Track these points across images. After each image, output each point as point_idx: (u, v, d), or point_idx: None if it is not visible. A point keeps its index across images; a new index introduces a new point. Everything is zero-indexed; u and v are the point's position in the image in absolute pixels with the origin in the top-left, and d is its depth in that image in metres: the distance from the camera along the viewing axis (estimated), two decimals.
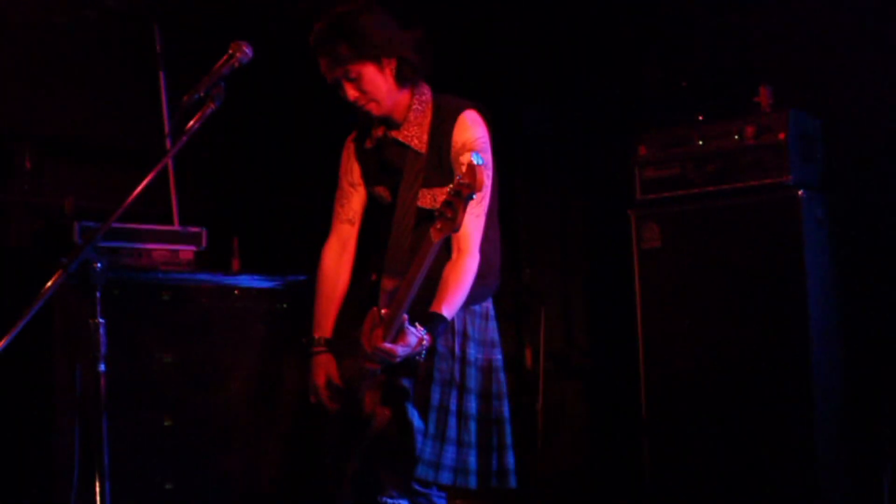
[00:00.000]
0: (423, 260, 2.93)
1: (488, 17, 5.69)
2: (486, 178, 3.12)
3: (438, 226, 2.90)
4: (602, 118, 5.48)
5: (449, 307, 3.08)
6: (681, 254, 4.70)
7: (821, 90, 4.83)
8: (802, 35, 4.97)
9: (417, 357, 3.05)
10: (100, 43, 5.34)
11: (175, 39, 5.32)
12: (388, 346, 2.96)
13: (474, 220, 3.15)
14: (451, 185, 2.89)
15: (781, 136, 4.49)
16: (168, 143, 5.22)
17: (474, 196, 2.86)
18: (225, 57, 2.89)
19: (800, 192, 4.44)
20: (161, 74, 5.26)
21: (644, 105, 5.30)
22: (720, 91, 5.03)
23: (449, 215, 2.88)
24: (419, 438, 3.15)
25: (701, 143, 4.69)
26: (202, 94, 2.82)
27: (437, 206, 3.06)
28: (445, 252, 3.14)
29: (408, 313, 2.95)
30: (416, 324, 3.00)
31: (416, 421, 3.18)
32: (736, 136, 4.60)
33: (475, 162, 2.84)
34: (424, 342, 3.01)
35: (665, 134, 4.80)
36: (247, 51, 2.90)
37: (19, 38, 5.09)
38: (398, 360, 2.99)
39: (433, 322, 3.04)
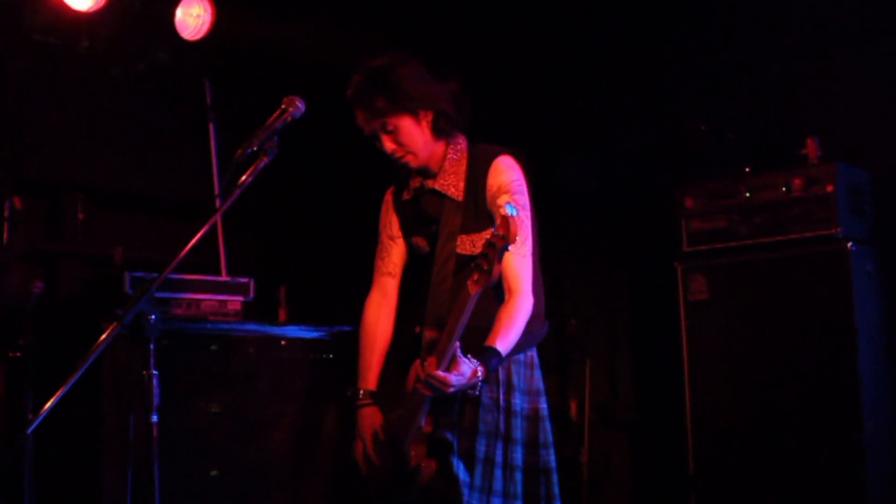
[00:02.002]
0: (462, 311, 2.93)
1: (533, 71, 5.73)
2: (522, 224, 3.11)
3: (475, 277, 2.90)
4: (648, 170, 5.48)
5: (503, 342, 3.06)
6: (728, 306, 4.67)
7: (869, 142, 4.82)
8: (850, 87, 4.96)
9: (471, 392, 3.03)
10: (152, 96, 5.44)
11: (225, 93, 5.41)
12: (441, 374, 2.95)
13: (521, 261, 3.15)
14: (487, 236, 2.89)
15: (830, 188, 4.47)
16: (218, 198, 5.30)
17: (509, 248, 2.86)
18: (278, 111, 2.93)
19: (849, 245, 4.41)
20: (211, 127, 5.34)
21: (690, 157, 5.29)
22: (767, 143, 5.02)
23: (485, 267, 2.88)
24: (465, 492, 3.13)
25: (748, 195, 4.68)
26: (256, 148, 2.86)
27: (477, 251, 3.08)
28: (495, 301, 3.14)
29: (460, 342, 2.95)
30: (470, 355, 2.99)
31: (462, 474, 3.16)
32: (783, 189, 4.58)
33: (509, 213, 2.85)
34: (479, 374, 2.99)
35: (711, 186, 4.80)
36: (300, 105, 2.94)
37: (74, 91, 5.19)
38: (452, 389, 2.97)
39: (487, 355, 3.03)
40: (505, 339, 3.07)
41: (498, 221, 2.87)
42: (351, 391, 3.44)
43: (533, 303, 3.16)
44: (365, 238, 3.71)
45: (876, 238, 4.62)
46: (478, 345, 3.05)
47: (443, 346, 2.98)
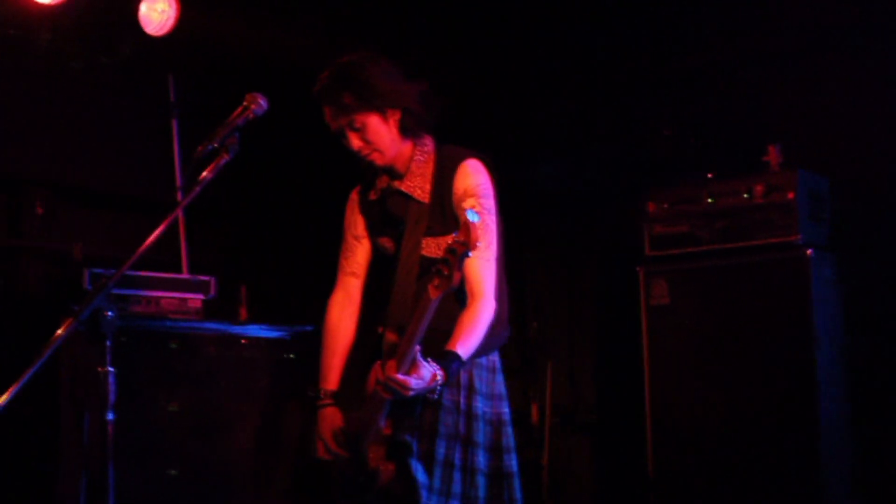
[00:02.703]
0: (423, 316, 2.93)
1: (498, 72, 5.74)
2: (486, 228, 3.12)
3: (436, 283, 2.90)
4: (611, 174, 5.50)
5: (464, 346, 3.06)
6: (689, 310, 4.70)
7: (829, 150, 4.86)
8: (811, 94, 5.01)
9: (430, 395, 3.03)
10: (114, 91, 5.39)
11: (188, 89, 5.37)
12: (401, 377, 2.95)
13: (485, 265, 3.15)
14: (448, 242, 2.90)
15: (790, 195, 4.51)
16: (180, 193, 5.26)
17: (470, 254, 2.86)
18: (240, 108, 2.91)
19: (808, 251, 4.45)
20: (174, 123, 5.30)
21: (653, 162, 5.32)
22: (729, 149, 5.06)
23: (445, 273, 2.88)
24: (424, 494, 3.12)
25: (710, 200, 4.71)
26: (217, 145, 2.84)
27: (441, 254, 3.06)
28: (457, 304, 3.14)
29: (420, 346, 2.95)
30: (430, 359, 2.98)
31: (421, 476, 3.15)
32: (745, 195, 4.62)
33: (470, 220, 2.85)
34: (438, 378, 2.99)
35: (674, 191, 4.82)
36: (262, 102, 2.93)
37: (34, 84, 5.14)
38: (411, 393, 2.97)
39: (447, 359, 3.03)
40: (466, 343, 3.07)
41: (459, 227, 2.87)
42: (312, 391, 3.43)
43: (496, 307, 3.16)
44: (327, 237, 3.70)
45: (834, 244, 4.66)
46: (439, 347, 3.05)
47: (403, 349, 2.98)
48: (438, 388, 3.01)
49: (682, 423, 4.66)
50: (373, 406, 3.13)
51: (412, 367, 2.95)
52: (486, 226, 3.13)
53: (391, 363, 3.00)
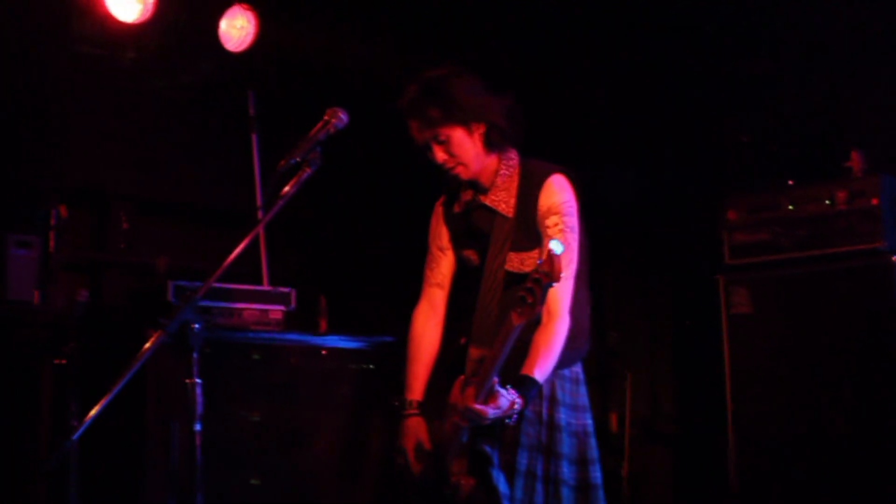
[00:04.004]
0: (505, 342, 2.95)
1: (575, 81, 5.73)
2: (569, 248, 3.13)
3: (519, 310, 2.91)
4: (691, 182, 5.45)
5: (541, 370, 3.07)
6: (771, 319, 4.63)
7: None
8: (894, 98, 4.91)
9: (508, 421, 3.04)
10: (195, 106, 5.49)
11: (268, 104, 5.45)
12: (479, 406, 2.97)
13: (563, 283, 3.14)
14: (535, 255, 2.88)
15: (874, 201, 4.43)
16: (260, 207, 5.33)
17: (553, 285, 2.87)
18: (321, 123, 2.95)
19: (893, 258, 4.36)
20: (254, 138, 5.38)
21: (733, 169, 5.26)
22: (810, 155, 4.98)
23: (529, 301, 2.89)
24: None
25: (791, 207, 4.65)
26: (299, 159, 2.88)
27: (525, 269, 3.11)
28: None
29: (498, 376, 2.96)
30: (508, 387, 2.99)
31: (502, 486, 3.16)
32: (827, 202, 4.54)
33: (555, 251, 2.86)
34: (516, 406, 3.01)
35: (754, 198, 4.76)
36: (342, 117, 2.96)
37: (119, 101, 5.25)
38: (488, 421, 2.99)
39: (525, 385, 3.04)
40: (542, 366, 3.08)
41: (544, 257, 2.88)
42: (397, 401, 3.46)
43: (570, 325, 3.16)
44: (405, 249, 3.73)
45: None
46: (514, 360, 3.05)
47: (483, 375, 2.99)
48: (516, 415, 3.03)
49: (765, 435, 4.59)
50: (453, 434, 3.15)
51: (491, 397, 2.97)
52: (568, 245, 3.14)
53: (470, 390, 3.02)
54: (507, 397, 2.98)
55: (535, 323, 3.11)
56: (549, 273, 2.85)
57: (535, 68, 5.63)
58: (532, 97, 5.33)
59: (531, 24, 5.50)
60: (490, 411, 2.97)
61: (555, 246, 2.88)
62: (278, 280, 5.10)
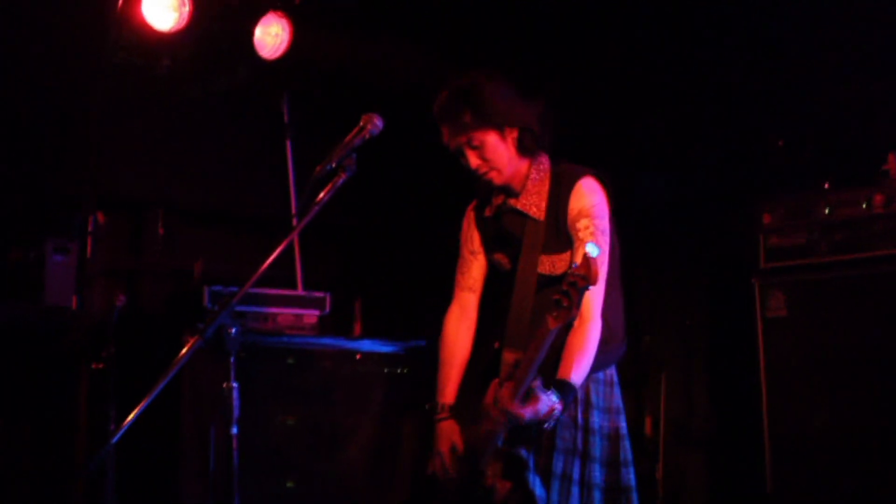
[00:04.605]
0: (541, 345, 2.95)
1: (608, 84, 5.72)
2: (602, 264, 3.13)
3: (555, 314, 2.92)
4: (726, 184, 5.43)
5: (577, 374, 3.08)
6: (807, 323, 4.60)
7: None
8: None
9: (546, 426, 3.04)
10: (230, 113, 5.53)
11: (303, 111, 5.48)
12: (517, 410, 2.97)
13: (595, 288, 3.15)
14: (567, 257, 2.87)
15: None
16: (295, 212, 5.36)
17: (590, 288, 2.87)
18: (356, 129, 2.97)
19: None
20: (288, 144, 5.41)
21: (769, 171, 5.23)
22: (847, 158, 4.94)
23: (565, 304, 2.90)
24: None
25: (827, 211, 4.61)
26: (334, 165, 2.90)
27: (557, 272, 3.13)
28: None
29: (540, 379, 2.96)
30: (551, 391, 3.00)
31: (538, 490, 3.16)
32: (864, 205, 4.51)
33: (591, 254, 2.86)
34: (556, 411, 3.01)
35: (790, 201, 4.74)
36: (377, 122, 2.98)
37: (155, 109, 5.30)
38: (525, 423, 3.00)
39: (564, 390, 3.04)
40: (578, 369, 3.09)
41: (579, 261, 2.88)
42: (430, 404, 3.47)
43: (602, 327, 3.16)
44: (439, 253, 3.74)
45: None
46: (548, 364, 3.05)
47: (520, 376, 3.00)
48: (553, 421, 3.03)
49: (801, 439, 4.56)
50: (490, 434, 3.15)
51: (530, 399, 2.97)
52: (600, 248, 3.13)
53: (506, 391, 3.01)
54: (547, 402, 2.98)
55: (568, 326, 3.11)
56: (585, 276, 2.85)
57: (570, 73, 5.62)
58: (567, 102, 5.36)
59: (565, 29, 5.49)
60: (528, 413, 2.97)
61: (591, 249, 2.88)
62: (313, 285, 5.13)
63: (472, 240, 3.49)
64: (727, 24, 5.30)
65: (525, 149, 3.30)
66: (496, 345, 3.35)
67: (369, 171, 3.25)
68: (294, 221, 3.00)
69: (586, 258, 2.86)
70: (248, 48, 5.05)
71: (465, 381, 3.46)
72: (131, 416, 2.65)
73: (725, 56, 5.41)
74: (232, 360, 2.78)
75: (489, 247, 3.45)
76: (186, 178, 5.44)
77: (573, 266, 2.89)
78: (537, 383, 2.97)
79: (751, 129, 5.40)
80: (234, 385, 2.79)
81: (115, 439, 2.71)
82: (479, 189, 3.47)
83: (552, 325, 2.92)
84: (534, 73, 5.09)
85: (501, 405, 3.01)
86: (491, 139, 3.25)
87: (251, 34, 5.05)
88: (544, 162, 3.35)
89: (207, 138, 5.50)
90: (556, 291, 2.91)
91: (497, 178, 3.30)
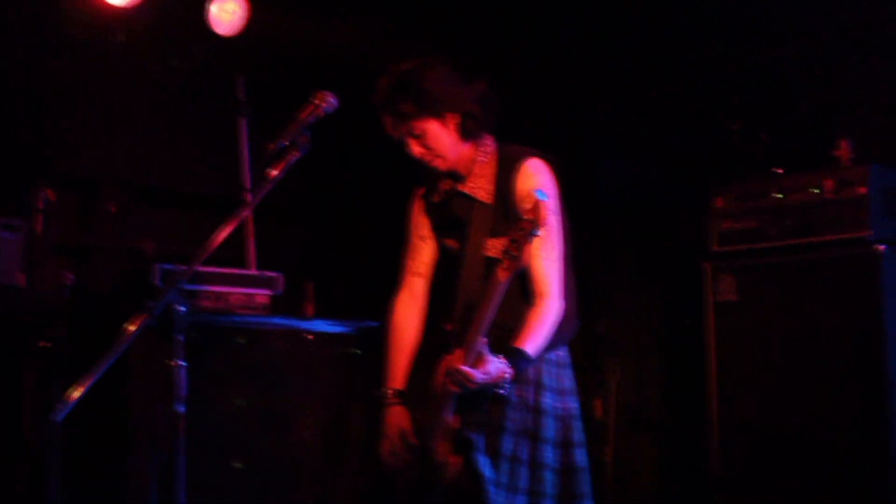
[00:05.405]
0: (490, 299, 2.94)
1: (563, 69, 5.73)
2: (550, 229, 3.12)
3: (505, 265, 2.91)
4: (679, 169, 5.46)
5: (532, 345, 3.07)
6: (757, 307, 4.65)
7: None
8: (883, 88, 4.92)
9: (500, 390, 3.04)
10: (184, 91, 5.47)
11: (258, 89, 5.44)
12: (467, 370, 2.96)
13: (550, 265, 3.15)
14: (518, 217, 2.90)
15: (862, 190, 4.44)
16: (248, 191, 5.33)
17: (538, 232, 2.86)
18: (310, 106, 2.94)
19: (880, 248, 4.37)
20: (242, 122, 5.37)
21: (721, 157, 5.27)
22: (799, 144, 4.99)
23: (514, 253, 2.89)
24: (491, 489, 3.13)
25: (779, 196, 4.66)
26: (287, 143, 2.87)
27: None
28: (524, 301, 3.15)
29: (486, 338, 2.96)
30: (501, 356, 3.00)
31: (487, 471, 3.16)
32: (815, 190, 4.56)
33: (539, 197, 2.85)
34: (507, 376, 3.01)
35: (742, 186, 4.78)
36: (331, 100, 2.96)
37: (108, 85, 5.23)
38: (476, 386, 2.99)
39: (516, 356, 3.04)
40: (534, 341, 3.08)
41: (528, 206, 2.87)
42: (378, 390, 3.46)
43: (562, 305, 3.16)
44: (393, 234, 3.72)
45: None
46: (505, 344, 3.06)
47: (470, 338, 2.99)
48: (507, 385, 3.02)
49: (749, 423, 4.62)
50: (440, 400, 3.15)
51: (479, 361, 2.96)
52: (550, 226, 3.13)
53: (458, 353, 3.01)
54: (497, 365, 2.98)
55: (522, 306, 3.12)
56: (534, 220, 2.84)
57: (521, 57, 5.62)
58: (519, 86, 5.36)
59: (521, 12, 5.48)
60: (479, 376, 2.96)
61: (540, 194, 2.87)
62: (265, 264, 5.10)
63: (421, 225, 3.48)
64: (681, 8, 5.32)
65: (468, 133, 3.28)
66: (448, 327, 3.34)
67: (323, 151, 3.23)
68: (247, 199, 2.97)
69: (536, 202, 2.85)
70: (203, 25, 5.00)
71: (416, 364, 3.46)
72: (77, 393, 2.62)
73: (679, 41, 5.43)
74: (180, 338, 2.76)
75: (439, 232, 3.44)
76: (139, 155, 5.37)
77: (524, 211, 2.88)
78: (485, 342, 2.96)
79: (704, 114, 5.44)
80: (182, 364, 2.77)
81: (61, 416, 2.68)
82: (426, 175, 3.45)
83: (502, 276, 2.91)
84: (483, 54, 5.09)
85: (451, 367, 3.00)
86: (432, 127, 3.23)
87: (206, 10, 4.99)
88: (490, 144, 3.34)
89: (161, 116, 5.45)
90: (507, 244, 2.91)
91: (442, 165, 3.29)
